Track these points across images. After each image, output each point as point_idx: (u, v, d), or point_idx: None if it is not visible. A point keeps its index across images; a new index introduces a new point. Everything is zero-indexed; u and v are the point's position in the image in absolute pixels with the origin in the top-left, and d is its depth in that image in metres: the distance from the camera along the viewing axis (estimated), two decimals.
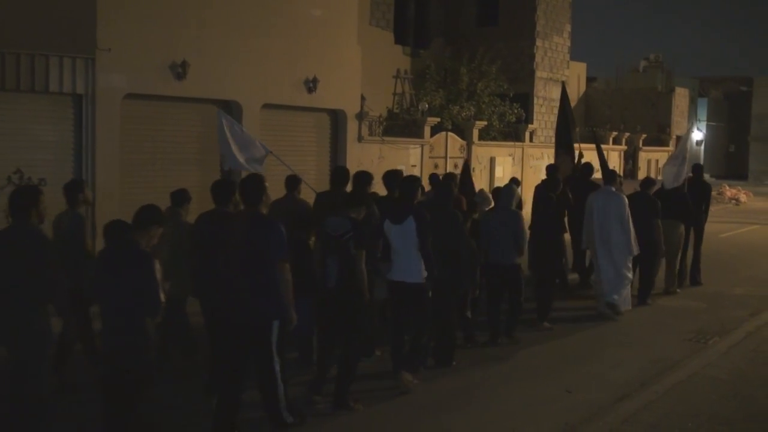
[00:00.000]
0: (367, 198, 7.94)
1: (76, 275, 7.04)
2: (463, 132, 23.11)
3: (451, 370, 8.48)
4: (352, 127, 18.59)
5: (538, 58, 28.98)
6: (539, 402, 7.61)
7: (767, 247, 19.60)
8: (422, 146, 20.91)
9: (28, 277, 5.29)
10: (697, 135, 51.85)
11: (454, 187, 9.90)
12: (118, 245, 5.50)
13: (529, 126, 26.51)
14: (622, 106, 37.47)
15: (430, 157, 21.09)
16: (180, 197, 8.42)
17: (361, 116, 18.87)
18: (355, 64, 18.62)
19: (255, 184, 6.46)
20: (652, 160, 33.12)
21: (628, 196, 11.62)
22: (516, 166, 24.31)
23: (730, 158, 58.30)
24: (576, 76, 35.05)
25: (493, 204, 10.19)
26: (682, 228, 13.16)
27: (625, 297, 11.41)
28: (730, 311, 11.99)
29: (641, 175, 28.72)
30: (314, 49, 17.24)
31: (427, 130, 21.21)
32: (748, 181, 49.57)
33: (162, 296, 5.42)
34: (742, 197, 34.99)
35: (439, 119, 22.30)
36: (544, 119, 29.53)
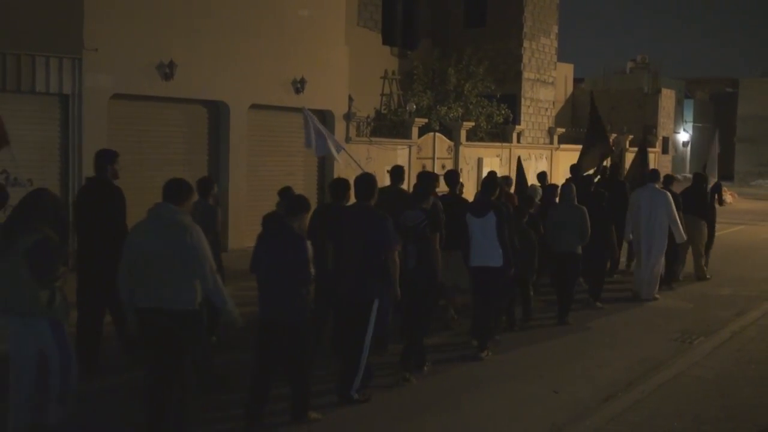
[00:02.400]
0: (433, 192, 8.78)
1: None
2: (450, 133, 23.15)
3: (438, 370, 8.50)
4: (339, 127, 18.60)
5: (525, 59, 29.04)
6: (526, 402, 7.63)
7: (753, 248, 19.72)
8: (410, 147, 20.93)
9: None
10: (684, 136, 52.07)
11: (506, 185, 11.28)
12: (277, 229, 6.63)
13: (517, 127, 26.56)
14: (608, 107, 37.53)
15: (417, 158, 21.11)
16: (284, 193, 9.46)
17: (348, 117, 18.87)
18: (342, 65, 18.62)
19: (368, 182, 7.48)
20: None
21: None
22: (504, 166, 24.35)
23: (717, 159, 58.45)
24: (563, 78, 35.12)
25: (540, 196, 11.98)
26: (704, 222, 14.51)
27: (651, 286, 12.63)
28: (716, 311, 12.05)
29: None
30: (302, 50, 17.24)
31: (414, 131, 21.24)
32: (734, 182, 49.82)
33: (312, 269, 6.53)
34: (728, 198, 35.15)
35: (426, 120, 22.32)
36: (532, 120, 29.58)
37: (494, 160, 24.21)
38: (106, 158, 8.19)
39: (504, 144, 25.29)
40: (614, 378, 8.44)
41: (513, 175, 15.34)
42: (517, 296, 10.35)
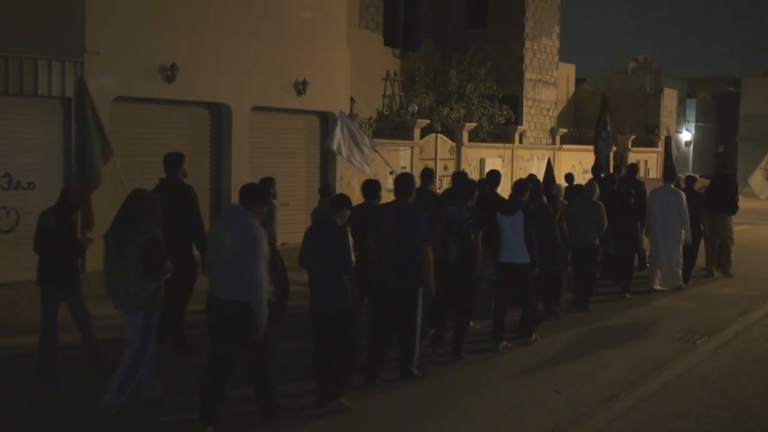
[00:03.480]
0: (474, 192, 9.40)
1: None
2: (452, 134, 23.14)
3: (441, 371, 8.50)
4: None
5: (527, 60, 29.03)
6: (528, 402, 7.63)
7: (756, 247, 19.70)
8: (412, 148, 20.92)
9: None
10: (686, 136, 52.02)
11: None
12: (322, 224, 7.37)
13: (519, 127, 26.54)
14: (611, 107, 37.48)
15: (420, 159, 21.09)
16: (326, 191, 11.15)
17: (351, 118, 18.85)
18: (344, 66, 18.62)
19: (407, 181, 8.23)
20: (641, 161, 33.18)
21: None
22: (506, 167, 24.35)
23: (719, 159, 58.43)
24: (565, 78, 35.10)
25: (563, 195, 12.44)
26: (730, 219, 15.40)
27: (677, 275, 13.50)
28: (719, 311, 12.05)
29: None
30: (304, 52, 17.25)
31: (416, 132, 21.22)
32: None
33: (353, 258, 7.13)
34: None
35: (428, 121, 22.30)
36: (534, 121, 29.56)
37: (496, 161, 24.20)
38: (176, 161, 8.90)
39: (506, 145, 25.28)
40: (617, 378, 8.44)
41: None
42: (557, 291, 11.28)
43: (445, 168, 21.75)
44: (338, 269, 7.08)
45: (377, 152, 13.58)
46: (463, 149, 23.07)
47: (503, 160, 24.71)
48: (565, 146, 28.45)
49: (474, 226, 8.83)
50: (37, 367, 7.74)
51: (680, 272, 13.53)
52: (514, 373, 8.58)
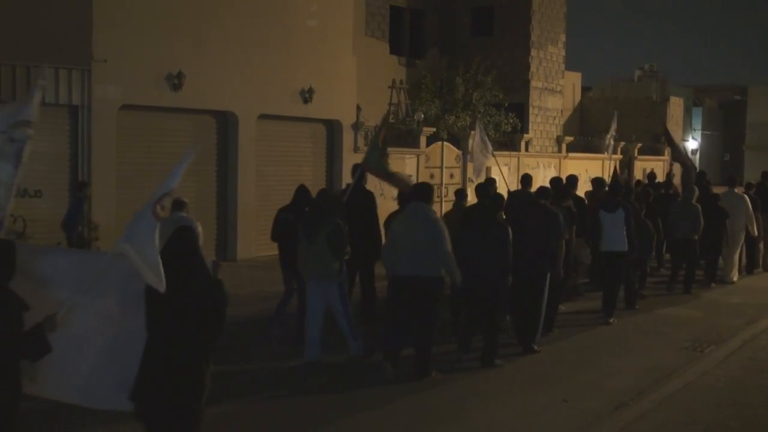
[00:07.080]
0: (569, 194, 11.68)
1: None
2: (458, 142, 23.13)
3: (448, 379, 8.48)
4: (347, 137, 18.62)
5: (533, 68, 29.02)
6: (535, 411, 7.60)
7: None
8: (418, 156, 20.91)
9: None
10: (692, 144, 51.95)
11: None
12: (484, 222, 9.06)
13: (525, 136, 26.51)
14: (617, 115, 37.43)
15: (426, 167, 21.09)
16: (461, 194, 12.24)
17: (356, 126, 18.89)
18: (350, 75, 18.65)
19: (546, 188, 10.46)
20: (648, 169, 33.08)
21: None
22: (512, 175, 24.29)
23: (726, 167, 58.35)
24: (571, 86, 35.06)
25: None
26: None
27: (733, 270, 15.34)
28: (726, 320, 12.00)
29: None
30: (310, 60, 17.28)
31: (422, 140, 21.21)
32: None
33: (511, 253, 8.78)
34: None
35: (434, 129, 22.29)
36: (540, 129, 29.53)
37: (502, 169, 24.15)
38: (358, 170, 10.80)
39: (512, 153, 25.25)
40: (624, 387, 8.40)
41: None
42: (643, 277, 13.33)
43: (451, 176, 21.74)
44: (495, 262, 8.65)
45: (494, 156, 16.25)
46: (469, 157, 23.03)
47: (509, 168, 24.67)
48: (571, 154, 28.41)
49: (568, 222, 10.50)
50: (298, 330, 9.44)
51: (734, 269, 15.28)
52: (520, 382, 8.55)
